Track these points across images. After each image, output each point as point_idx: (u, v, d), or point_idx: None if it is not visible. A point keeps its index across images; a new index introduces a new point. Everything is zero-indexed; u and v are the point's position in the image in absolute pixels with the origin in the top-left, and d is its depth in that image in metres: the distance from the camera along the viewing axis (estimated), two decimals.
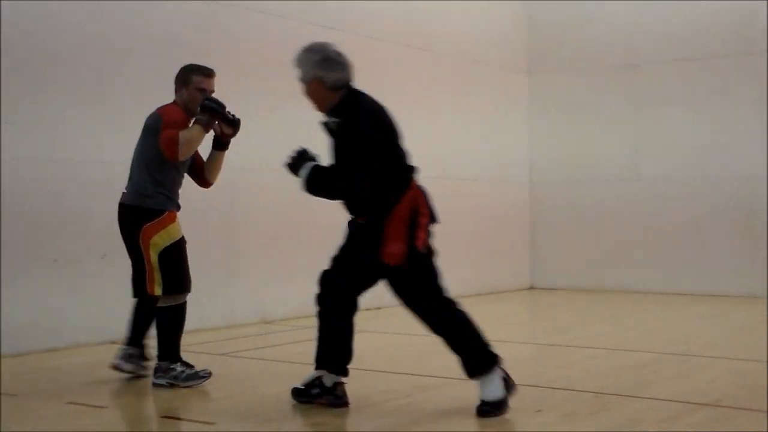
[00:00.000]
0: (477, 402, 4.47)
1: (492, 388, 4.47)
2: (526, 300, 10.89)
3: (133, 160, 5.27)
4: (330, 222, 9.34)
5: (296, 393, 4.68)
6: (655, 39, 11.02)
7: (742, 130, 10.41)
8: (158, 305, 5.22)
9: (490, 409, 4.43)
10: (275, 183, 8.28)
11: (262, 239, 8.25)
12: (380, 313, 7.97)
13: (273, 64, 8.21)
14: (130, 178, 5.26)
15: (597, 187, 11.31)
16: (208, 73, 5.27)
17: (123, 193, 5.26)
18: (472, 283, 10.45)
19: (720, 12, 10.59)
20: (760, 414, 4.49)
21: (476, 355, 4.52)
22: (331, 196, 4.58)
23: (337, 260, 4.66)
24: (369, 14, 9.44)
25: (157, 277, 5.13)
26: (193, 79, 5.22)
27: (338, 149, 4.47)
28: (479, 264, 10.83)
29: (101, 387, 5.28)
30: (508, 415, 4.51)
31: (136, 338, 5.48)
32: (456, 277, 10.34)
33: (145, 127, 5.21)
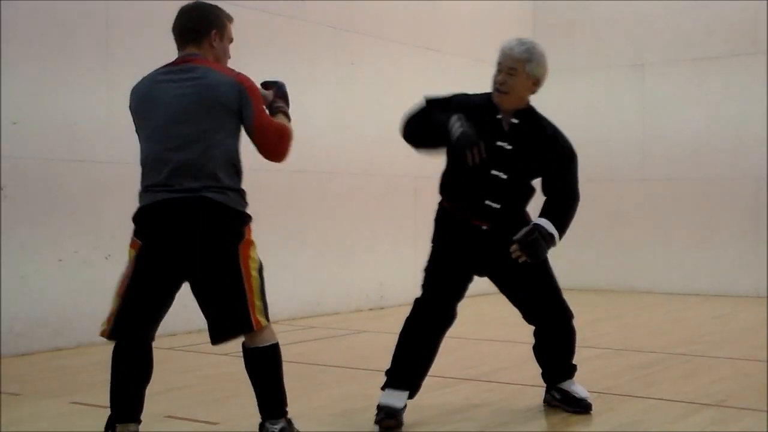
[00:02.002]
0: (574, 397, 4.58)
1: (579, 387, 4.64)
2: None
3: (192, 137, 3.59)
4: (332, 222, 9.38)
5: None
6: (661, 38, 11.00)
7: (750, 130, 10.39)
8: (259, 344, 3.70)
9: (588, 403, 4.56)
10: (277, 182, 8.29)
11: (264, 239, 8.23)
12: (382, 313, 7.98)
13: (275, 63, 8.22)
14: (199, 166, 3.58)
15: (602, 187, 11.29)
16: (231, 19, 3.88)
17: (188, 187, 3.59)
18: (476, 282, 10.43)
19: (727, 12, 10.57)
20: (766, 414, 4.47)
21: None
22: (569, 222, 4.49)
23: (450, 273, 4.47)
24: (372, 14, 9.43)
25: (259, 303, 3.65)
26: (228, 27, 3.83)
27: (519, 153, 4.35)
28: None
29: (105, 387, 5.26)
30: (511, 416, 4.50)
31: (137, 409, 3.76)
32: None
33: (215, 97, 3.58)
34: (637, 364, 5.94)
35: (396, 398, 4.32)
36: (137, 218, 3.74)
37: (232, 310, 3.58)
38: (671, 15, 10.90)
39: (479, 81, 10.89)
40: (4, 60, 6.33)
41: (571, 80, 11.52)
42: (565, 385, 4.62)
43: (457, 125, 4.07)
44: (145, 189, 3.74)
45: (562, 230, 4.39)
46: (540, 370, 4.70)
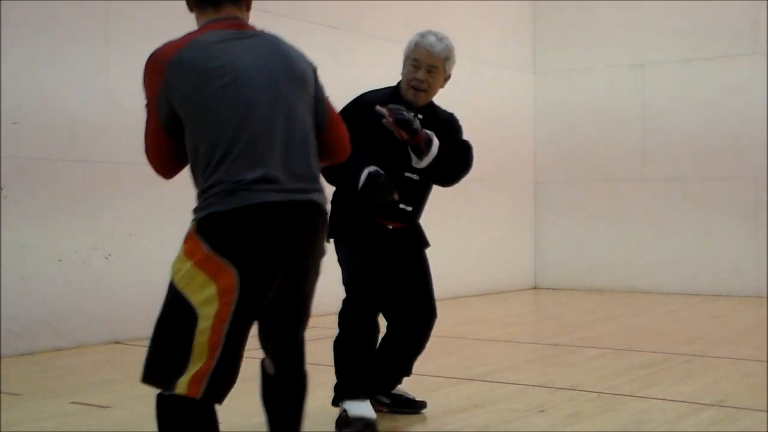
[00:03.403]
0: None
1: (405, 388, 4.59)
2: (531, 300, 10.88)
3: (284, 126, 2.71)
4: None
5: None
6: (661, 38, 11.00)
7: (750, 130, 10.38)
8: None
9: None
10: None
11: None
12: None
13: None
14: (297, 159, 2.71)
15: (603, 187, 11.29)
16: None
17: (283, 190, 2.66)
18: (477, 282, 10.44)
19: (727, 12, 10.56)
20: (766, 414, 4.47)
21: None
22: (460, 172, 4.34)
23: (373, 274, 4.34)
24: (372, 14, 9.43)
25: None
26: None
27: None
28: (483, 263, 10.82)
29: (106, 387, 5.27)
30: (511, 416, 4.50)
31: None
32: (460, 276, 10.39)
33: (301, 74, 2.84)
34: (637, 364, 5.94)
35: (366, 408, 4.23)
36: (224, 228, 2.58)
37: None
38: (671, 15, 10.90)
39: (479, 81, 10.92)
40: (4, 60, 6.33)
41: (571, 80, 11.52)
42: (396, 390, 4.57)
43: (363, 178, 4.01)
44: (241, 186, 2.58)
45: (443, 155, 4.20)
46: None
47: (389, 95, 4.32)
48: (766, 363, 5.89)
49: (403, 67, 4.35)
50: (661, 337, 7.36)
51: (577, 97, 11.50)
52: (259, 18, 9.57)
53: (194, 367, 2.60)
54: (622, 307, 9.66)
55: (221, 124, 2.61)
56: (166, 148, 2.73)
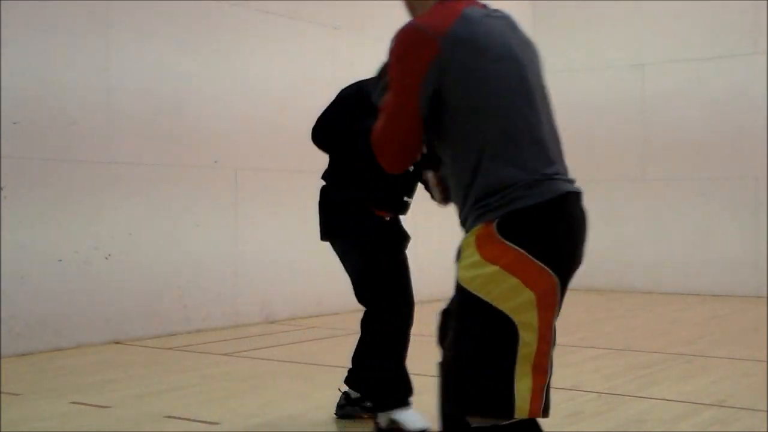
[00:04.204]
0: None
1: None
2: None
3: (549, 117, 2.49)
4: None
5: None
6: (662, 39, 11.00)
7: (750, 130, 10.38)
8: None
9: None
10: (277, 182, 8.29)
11: (265, 239, 8.25)
12: None
13: (275, 63, 8.22)
14: (559, 146, 2.49)
15: (602, 187, 11.28)
16: None
17: (569, 180, 2.40)
18: None
19: (727, 12, 10.56)
20: (766, 414, 4.47)
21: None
22: None
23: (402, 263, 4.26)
24: (372, 14, 9.43)
25: None
26: None
27: None
28: None
29: (105, 387, 5.27)
30: None
31: None
32: None
33: (541, 61, 2.60)
34: (637, 364, 5.94)
35: (419, 418, 4.06)
36: (533, 226, 2.24)
37: None
38: (671, 15, 10.90)
39: None
40: (4, 60, 6.33)
41: (571, 80, 11.52)
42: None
43: None
44: (543, 177, 2.29)
45: None
46: None
47: None
48: (766, 363, 5.89)
49: None
50: (661, 337, 7.36)
51: (577, 97, 11.50)
52: (259, 18, 9.61)
53: (525, 384, 2.24)
54: (621, 307, 9.66)
55: (506, 107, 2.31)
56: (418, 134, 2.35)
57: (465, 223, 2.33)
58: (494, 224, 2.22)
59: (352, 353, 4.45)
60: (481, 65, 2.30)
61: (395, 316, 4.10)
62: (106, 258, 6.88)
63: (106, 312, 6.88)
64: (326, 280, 8.67)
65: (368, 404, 4.39)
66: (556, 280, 2.23)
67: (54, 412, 4.65)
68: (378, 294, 4.13)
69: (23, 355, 6.33)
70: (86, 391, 5.16)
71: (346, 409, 4.44)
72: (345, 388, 4.46)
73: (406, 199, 4.29)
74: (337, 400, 4.48)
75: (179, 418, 4.53)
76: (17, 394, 5.06)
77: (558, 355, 6.68)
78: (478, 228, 2.25)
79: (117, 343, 6.85)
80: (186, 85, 7.42)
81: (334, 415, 4.45)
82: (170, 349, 6.56)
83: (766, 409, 4.58)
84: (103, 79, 6.96)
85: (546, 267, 2.21)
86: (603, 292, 10.92)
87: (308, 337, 7.21)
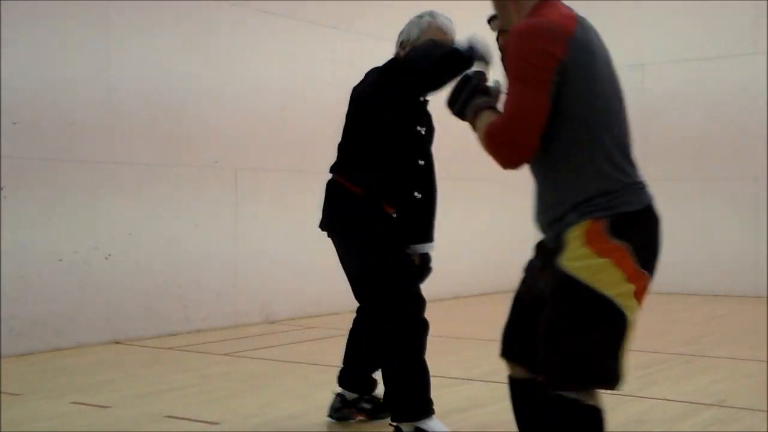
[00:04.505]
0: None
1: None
2: None
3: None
4: None
5: None
6: (662, 38, 11.00)
7: (750, 131, 10.38)
8: None
9: None
10: (277, 182, 8.29)
11: (265, 239, 8.25)
12: None
13: (275, 63, 8.21)
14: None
15: None
16: None
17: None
18: (477, 282, 10.43)
19: (727, 12, 10.57)
20: (766, 414, 4.47)
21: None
22: None
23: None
24: (372, 14, 9.43)
25: None
26: None
27: (428, 134, 4.29)
28: (484, 263, 10.81)
29: (105, 387, 5.27)
30: (511, 416, 4.49)
31: None
32: (460, 276, 10.38)
33: None
34: (637, 364, 5.93)
35: (443, 427, 4.02)
36: (638, 229, 2.48)
37: None
38: (671, 15, 10.90)
39: None
40: (4, 59, 6.33)
41: None
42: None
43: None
44: (641, 184, 2.56)
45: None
46: None
47: None
48: (766, 363, 5.89)
49: (407, 50, 4.22)
50: (661, 337, 7.36)
51: None
52: (259, 18, 9.60)
53: (626, 359, 2.64)
54: None
55: (615, 113, 2.54)
56: (541, 130, 2.43)
57: (562, 217, 2.48)
58: (604, 223, 2.41)
59: (344, 353, 4.43)
60: (595, 70, 2.45)
61: (401, 315, 3.98)
62: (106, 258, 6.88)
63: (106, 312, 6.88)
64: (326, 280, 8.67)
65: (366, 405, 4.37)
66: (649, 278, 2.48)
67: (54, 412, 4.65)
68: (384, 292, 3.99)
69: (23, 355, 6.33)
70: (86, 391, 5.16)
71: (342, 412, 4.38)
72: (339, 390, 4.44)
73: (416, 194, 4.16)
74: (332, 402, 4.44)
75: (179, 418, 4.53)
76: (17, 394, 5.06)
77: None
78: (584, 224, 2.42)
79: (117, 343, 6.85)
80: (186, 84, 7.41)
81: (330, 419, 4.42)
82: (170, 349, 6.56)
83: (766, 409, 4.58)
84: (104, 79, 6.96)
85: (643, 268, 2.45)
86: None
87: (308, 337, 7.21)
